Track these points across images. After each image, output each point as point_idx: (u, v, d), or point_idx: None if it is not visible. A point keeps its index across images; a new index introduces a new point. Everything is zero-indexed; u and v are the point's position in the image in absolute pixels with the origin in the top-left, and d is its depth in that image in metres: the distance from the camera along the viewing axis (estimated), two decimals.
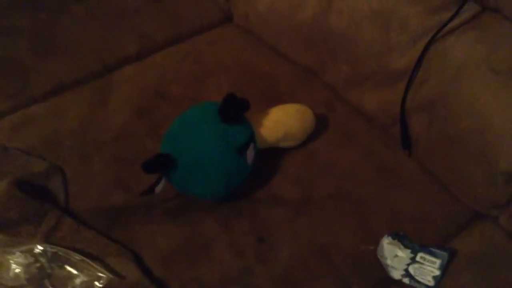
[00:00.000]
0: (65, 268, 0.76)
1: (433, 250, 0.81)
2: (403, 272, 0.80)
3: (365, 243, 0.83)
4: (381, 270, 0.80)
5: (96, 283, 0.74)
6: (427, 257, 0.81)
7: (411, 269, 0.80)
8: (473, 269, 0.80)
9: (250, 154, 0.84)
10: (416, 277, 0.79)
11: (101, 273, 0.75)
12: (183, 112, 0.86)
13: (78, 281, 0.75)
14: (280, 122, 0.91)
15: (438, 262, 0.80)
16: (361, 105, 1.00)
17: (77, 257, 0.76)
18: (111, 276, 0.75)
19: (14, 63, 1.06)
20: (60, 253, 0.75)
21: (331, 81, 1.04)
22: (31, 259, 0.75)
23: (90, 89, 1.04)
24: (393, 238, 0.83)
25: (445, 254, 0.80)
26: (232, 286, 0.77)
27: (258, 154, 0.87)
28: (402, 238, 0.83)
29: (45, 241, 0.78)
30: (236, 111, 0.82)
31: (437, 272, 0.79)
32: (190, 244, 0.81)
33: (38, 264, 0.75)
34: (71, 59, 1.08)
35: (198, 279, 0.78)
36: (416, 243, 0.82)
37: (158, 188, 0.80)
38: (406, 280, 0.79)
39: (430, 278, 0.79)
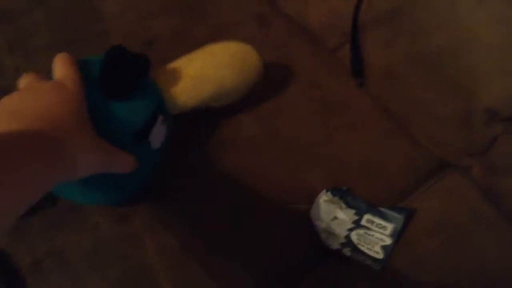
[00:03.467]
0: None
1: (385, 211, 0.61)
2: (344, 240, 0.60)
3: (295, 199, 0.62)
4: (315, 236, 0.60)
5: None
6: (376, 220, 0.60)
7: (354, 236, 0.60)
8: (436, 236, 0.61)
9: (157, 134, 0.55)
10: (360, 247, 0.59)
11: None
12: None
13: None
14: (207, 76, 0.61)
15: (390, 227, 0.60)
16: (303, 19, 0.77)
17: None
18: None
19: None
20: None
21: None
22: None
23: None
24: (333, 195, 0.62)
25: (399, 217, 0.60)
26: (104, 261, 0.55)
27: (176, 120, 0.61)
28: (344, 195, 0.62)
29: None
30: (125, 79, 0.52)
31: (388, 241, 0.59)
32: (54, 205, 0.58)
33: None
34: None
35: (57, 252, 0.56)
36: (363, 201, 0.62)
37: None
38: (346, 251, 0.59)
39: (378, 249, 0.59)
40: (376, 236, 0.60)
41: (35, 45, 0.71)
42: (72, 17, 0.74)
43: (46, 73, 0.52)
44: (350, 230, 0.60)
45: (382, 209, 0.61)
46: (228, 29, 0.76)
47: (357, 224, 0.60)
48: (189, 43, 0.66)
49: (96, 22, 0.74)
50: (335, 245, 0.60)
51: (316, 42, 0.77)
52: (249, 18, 0.78)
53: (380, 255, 0.59)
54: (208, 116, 0.67)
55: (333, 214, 0.61)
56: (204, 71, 0.61)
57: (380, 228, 0.60)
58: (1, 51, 0.70)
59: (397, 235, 0.60)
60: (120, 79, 0.51)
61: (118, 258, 0.56)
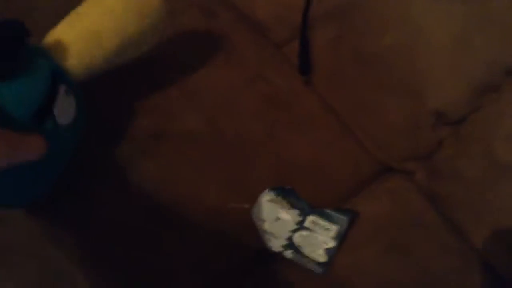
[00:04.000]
0: None
1: (329, 212, 0.58)
2: (286, 242, 0.57)
3: (236, 199, 0.58)
4: (256, 238, 0.57)
5: None
6: (321, 221, 0.58)
7: (297, 238, 0.57)
8: (379, 241, 0.59)
9: (64, 108, 0.48)
10: (303, 250, 0.56)
11: None
12: None
13: None
14: (105, 28, 0.52)
15: (334, 229, 0.57)
16: (251, 11, 0.73)
17: None
18: None
19: None
20: None
21: None
22: None
23: None
24: (277, 195, 0.58)
25: (344, 219, 0.58)
26: None
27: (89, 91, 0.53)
28: (288, 194, 0.59)
29: None
30: (3, 56, 0.43)
31: (331, 243, 0.57)
32: None
33: None
34: None
35: None
36: (307, 203, 0.59)
37: None
38: (288, 254, 0.56)
39: (321, 252, 0.56)
40: (319, 239, 0.57)
41: None
42: None
43: None
44: (293, 231, 0.57)
45: (326, 210, 0.58)
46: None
47: (300, 226, 0.57)
48: None
49: None
50: (277, 247, 0.56)
51: (263, 35, 0.74)
52: (192, 6, 0.74)
53: (323, 258, 0.56)
54: (141, 103, 0.61)
55: (276, 215, 0.58)
56: (99, 24, 0.52)
57: (324, 230, 0.57)
58: None
59: (341, 238, 0.57)
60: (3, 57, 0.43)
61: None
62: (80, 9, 0.53)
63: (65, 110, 0.48)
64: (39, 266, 0.49)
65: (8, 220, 0.51)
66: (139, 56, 0.57)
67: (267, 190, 0.59)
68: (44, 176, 0.49)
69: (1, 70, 0.43)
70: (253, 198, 0.58)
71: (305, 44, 0.68)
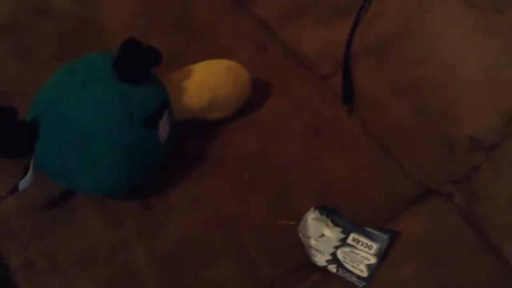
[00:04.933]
0: None
1: (370, 231, 0.63)
2: (330, 257, 0.61)
3: (284, 217, 0.63)
4: (302, 253, 0.62)
5: None
6: (362, 239, 0.62)
7: (340, 254, 0.62)
8: (418, 259, 0.63)
9: (163, 127, 0.60)
10: (346, 265, 0.61)
11: None
12: (60, 68, 0.59)
13: None
14: (205, 83, 0.67)
15: (375, 246, 0.62)
16: (298, 46, 0.81)
17: None
18: None
19: None
20: None
21: (263, 14, 0.85)
22: None
23: None
24: (321, 213, 0.64)
25: (384, 238, 0.62)
26: (96, 264, 0.56)
27: (176, 128, 0.64)
28: (332, 213, 0.64)
29: None
30: (140, 63, 0.57)
31: (373, 260, 0.61)
32: (47, 206, 0.60)
33: None
34: None
35: (49, 253, 0.56)
36: (348, 221, 0.63)
37: (24, 183, 0.55)
38: (332, 268, 0.61)
39: (363, 267, 0.61)
40: (361, 255, 0.61)
41: (38, 55, 0.73)
42: (77, 32, 0.77)
43: None
44: (336, 247, 0.62)
45: (368, 229, 0.63)
46: (225, 52, 0.78)
47: (343, 242, 0.62)
48: (187, 64, 0.69)
49: (98, 38, 0.77)
50: (321, 262, 0.61)
51: (309, 68, 0.80)
52: (246, 43, 0.82)
53: (365, 273, 0.60)
54: (202, 131, 0.69)
55: (320, 232, 0.63)
56: (203, 80, 0.68)
57: (366, 247, 0.62)
58: (4, 59, 0.72)
59: (382, 255, 0.61)
60: (134, 64, 0.57)
61: (108, 263, 0.56)
62: (195, 66, 0.69)
63: (164, 129, 0.60)
64: (116, 269, 0.56)
65: (90, 231, 0.58)
66: (222, 119, 0.70)
67: (312, 209, 0.64)
68: (144, 169, 0.60)
69: (134, 76, 0.57)
70: (299, 216, 0.63)
71: (348, 76, 0.74)
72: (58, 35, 0.76)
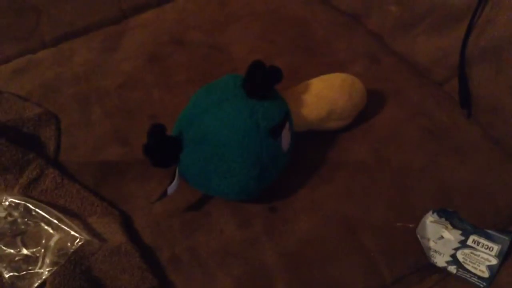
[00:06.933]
0: (41, 226, 0.65)
1: (491, 233, 0.63)
2: (449, 259, 0.63)
3: (403, 219, 0.66)
4: (421, 254, 0.64)
5: (69, 244, 0.63)
6: (482, 241, 0.63)
7: (459, 255, 0.63)
8: None
9: (285, 137, 0.67)
10: (466, 266, 0.62)
11: (77, 233, 0.63)
12: (198, 90, 0.69)
13: (53, 241, 0.64)
14: (322, 96, 0.73)
15: (496, 248, 0.62)
16: (411, 55, 0.83)
17: (55, 213, 0.65)
18: (88, 238, 0.64)
19: (24, 4, 0.97)
20: (32, 206, 0.65)
21: (376, 27, 0.88)
22: (3, 213, 0.65)
23: (102, 34, 0.94)
24: (440, 216, 0.65)
25: (506, 239, 0.62)
26: (231, 259, 0.64)
27: (296, 138, 0.71)
28: (450, 216, 0.65)
29: (23, 193, 0.68)
30: (265, 82, 0.66)
31: (494, 261, 0.62)
32: (189, 209, 0.69)
33: (10, 219, 0.66)
34: (86, 2, 0.98)
35: (192, 249, 0.65)
36: (468, 223, 0.64)
37: (172, 188, 0.65)
38: (452, 269, 0.62)
39: (484, 268, 0.61)
40: (482, 256, 0.62)
41: (177, 81, 0.84)
42: (208, 58, 0.87)
43: None
44: (456, 249, 0.63)
45: (488, 230, 0.63)
46: (340, 65, 0.84)
47: (463, 244, 0.63)
48: (304, 79, 0.75)
49: (227, 62, 0.86)
50: (441, 263, 0.63)
51: (423, 76, 0.82)
52: (360, 56, 0.86)
53: (486, 274, 0.61)
54: (320, 140, 0.75)
55: (439, 234, 0.64)
56: (320, 93, 0.73)
57: (486, 248, 0.62)
58: (151, 86, 0.84)
59: (503, 256, 0.62)
60: (260, 83, 0.65)
61: (241, 258, 0.64)
62: (312, 80, 0.75)
63: (286, 139, 0.67)
64: (248, 264, 0.64)
65: (224, 230, 0.67)
66: (338, 128, 0.75)
67: (430, 212, 0.66)
68: (270, 174, 0.67)
69: (262, 92, 0.65)
70: (417, 219, 0.66)
71: (464, 80, 0.74)
72: (193, 62, 0.86)
